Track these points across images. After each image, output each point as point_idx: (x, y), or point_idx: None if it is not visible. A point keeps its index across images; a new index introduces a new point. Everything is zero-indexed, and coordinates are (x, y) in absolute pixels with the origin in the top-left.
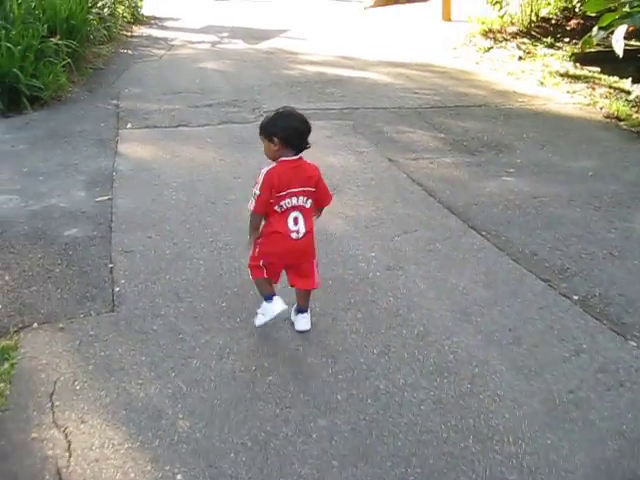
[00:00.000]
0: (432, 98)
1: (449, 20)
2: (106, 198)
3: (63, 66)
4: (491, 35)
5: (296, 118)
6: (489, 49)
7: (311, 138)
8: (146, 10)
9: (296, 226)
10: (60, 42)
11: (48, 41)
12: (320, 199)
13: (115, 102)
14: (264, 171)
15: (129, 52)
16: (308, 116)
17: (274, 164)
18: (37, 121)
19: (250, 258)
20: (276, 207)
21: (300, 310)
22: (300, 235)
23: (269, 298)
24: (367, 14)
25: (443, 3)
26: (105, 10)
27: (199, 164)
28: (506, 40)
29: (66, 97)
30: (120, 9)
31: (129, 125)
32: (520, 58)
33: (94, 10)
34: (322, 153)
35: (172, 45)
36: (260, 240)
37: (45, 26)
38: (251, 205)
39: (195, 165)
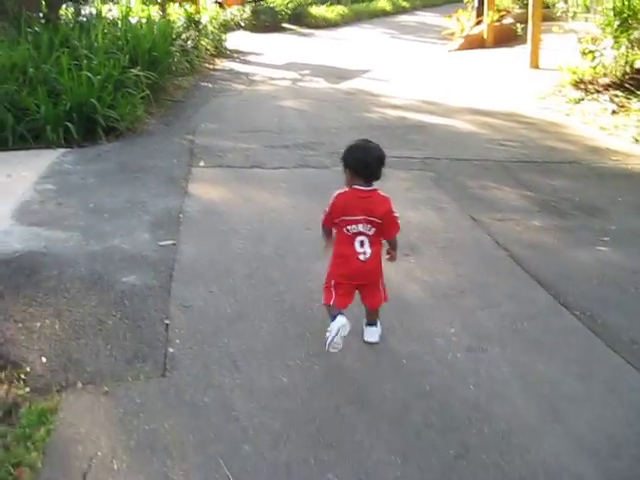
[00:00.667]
0: (519, 151)
1: (537, 67)
2: (170, 243)
3: (142, 97)
4: (582, 86)
5: (366, 151)
6: (580, 100)
7: (390, 189)
8: (230, 43)
9: (362, 248)
10: (140, 73)
11: (129, 72)
12: (385, 230)
13: (190, 137)
14: (336, 193)
15: (210, 85)
16: (389, 164)
17: (346, 189)
18: (110, 153)
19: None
20: (344, 229)
21: (369, 324)
22: (367, 257)
23: (333, 317)
24: (451, 57)
25: (531, 50)
26: (189, 42)
27: (270, 210)
28: (598, 92)
29: (142, 129)
30: (204, 42)
31: (202, 163)
32: (613, 112)
33: (177, 42)
34: (400, 206)
35: (253, 80)
36: (331, 261)
37: (127, 57)
38: (322, 218)
39: (266, 211)
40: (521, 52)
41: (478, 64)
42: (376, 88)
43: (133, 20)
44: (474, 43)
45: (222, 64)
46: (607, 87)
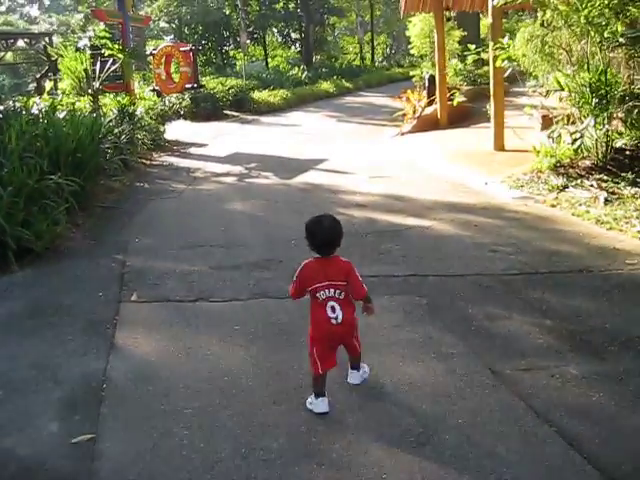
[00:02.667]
0: (516, 259)
1: (502, 149)
2: (87, 438)
3: (67, 208)
4: (562, 170)
5: (321, 228)
6: (563, 188)
7: (374, 325)
8: (170, 134)
9: (334, 313)
10: (61, 181)
11: (48, 179)
12: (353, 292)
13: (121, 257)
14: (303, 263)
15: (146, 186)
16: (367, 285)
17: (311, 258)
18: (20, 287)
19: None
20: (316, 296)
21: (353, 367)
22: (339, 321)
23: (318, 396)
24: (407, 141)
25: (495, 131)
26: (122, 137)
27: (223, 372)
28: (581, 176)
29: (65, 248)
30: (140, 135)
31: (134, 296)
32: (606, 201)
33: (110, 138)
34: (394, 357)
35: (194, 177)
36: (310, 326)
37: (47, 160)
38: (290, 290)
39: (217, 374)
40: (480, 132)
41: (438, 148)
42: (334, 182)
43: (62, 114)
44: (428, 124)
45: (161, 159)
46: (589, 170)
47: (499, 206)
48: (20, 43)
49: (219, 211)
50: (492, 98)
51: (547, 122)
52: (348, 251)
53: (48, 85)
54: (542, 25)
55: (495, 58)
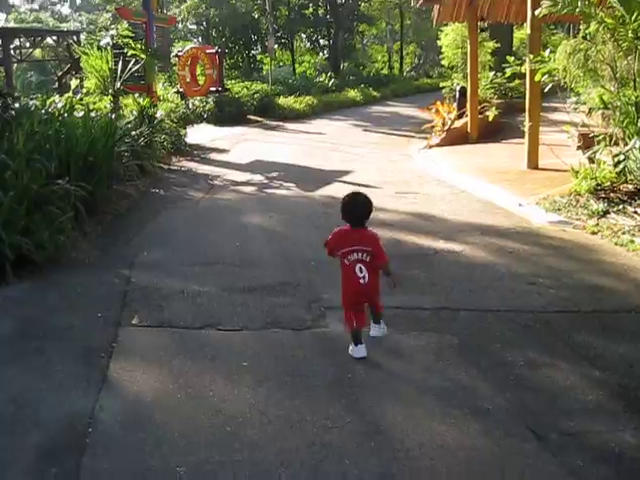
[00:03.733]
0: (557, 294)
1: (536, 168)
2: None
3: (75, 215)
4: (603, 194)
5: (354, 204)
6: (604, 213)
7: (400, 370)
8: (191, 138)
9: (362, 273)
10: (69, 186)
11: (55, 183)
12: (376, 258)
13: (127, 272)
14: (335, 230)
15: (162, 192)
16: (388, 319)
17: (343, 227)
18: (13, 303)
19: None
20: (345, 260)
21: (375, 322)
22: (366, 280)
23: (357, 344)
24: (436, 154)
25: (529, 148)
26: (140, 140)
27: (226, 420)
28: (623, 202)
29: (68, 258)
30: (159, 138)
31: (135, 319)
32: None
33: (127, 140)
34: (422, 412)
35: (213, 185)
36: (342, 288)
37: (56, 163)
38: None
39: (219, 422)
40: (512, 148)
41: (468, 164)
42: None
43: (80, 114)
44: (457, 138)
45: (180, 164)
46: (633, 195)
47: (535, 231)
48: (49, 41)
49: (235, 224)
50: (527, 113)
51: (586, 141)
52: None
53: (73, 83)
54: (585, 38)
55: (533, 72)
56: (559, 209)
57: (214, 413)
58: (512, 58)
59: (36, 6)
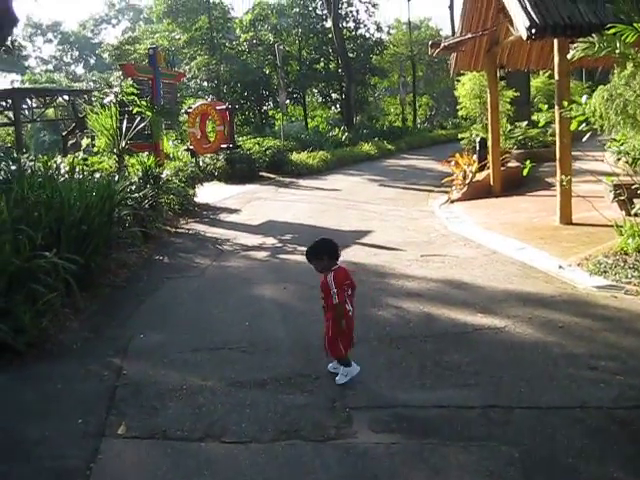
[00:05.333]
0: (625, 381)
1: (570, 223)
2: None
3: (66, 289)
4: None
5: (334, 244)
6: None
7: None
8: (201, 197)
9: (350, 307)
10: (56, 259)
11: (41, 256)
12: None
13: (118, 362)
14: (339, 268)
15: (165, 260)
16: (431, 421)
17: (336, 267)
18: None
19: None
20: (345, 294)
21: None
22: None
23: (348, 365)
24: (455, 210)
25: (562, 201)
26: (144, 203)
27: None
28: None
29: (54, 343)
30: (166, 199)
31: (122, 428)
32: None
33: (129, 203)
34: None
35: (222, 251)
36: (336, 326)
37: (43, 233)
38: (337, 299)
39: None
40: (539, 201)
41: (495, 220)
42: (380, 261)
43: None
44: (480, 191)
45: (187, 226)
46: None
47: (583, 299)
48: (61, 100)
49: (245, 298)
50: (558, 164)
51: (631, 193)
52: (402, 367)
53: (84, 142)
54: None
55: (563, 120)
56: (605, 271)
57: None
58: (545, 106)
59: (51, 67)
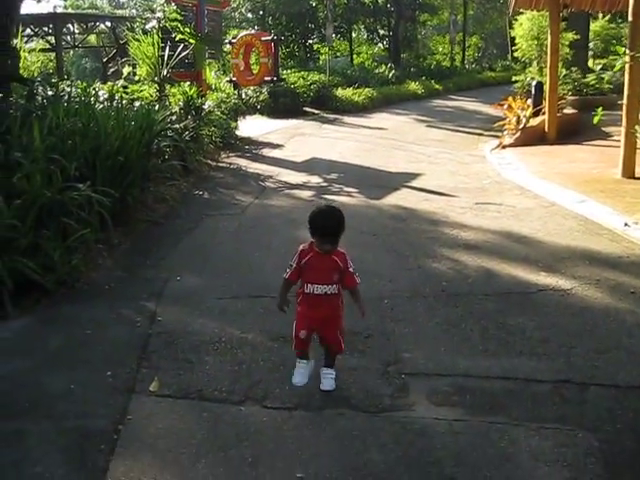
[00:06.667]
0: None
1: (633, 177)
2: None
3: (101, 223)
4: None
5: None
6: None
7: None
8: (243, 131)
9: None
10: (89, 192)
11: (74, 188)
12: None
13: (152, 307)
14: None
15: (205, 196)
16: (495, 394)
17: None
18: (3, 348)
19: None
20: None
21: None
22: None
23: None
24: (508, 156)
25: (625, 153)
26: (185, 134)
27: None
28: None
29: (86, 282)
30: (207, 131)
31: (153, 385)
32: None
33: (170, 134)
34: None
35: (264, 188)
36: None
37: (77, 163)
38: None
39: None
40: (597, 152)
41: (551, 169)
42: (432, 208)
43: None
44: (533, 137)
45: (228, 160)
46: None
47: None
48: (103, 27)
49: (289, 240)
50: (625, 113)
51: None
52: (463, 330)
53: (126, 70)
54: None
55: (634, 65)
56: None
57: None
58: (623, 49)
59: None
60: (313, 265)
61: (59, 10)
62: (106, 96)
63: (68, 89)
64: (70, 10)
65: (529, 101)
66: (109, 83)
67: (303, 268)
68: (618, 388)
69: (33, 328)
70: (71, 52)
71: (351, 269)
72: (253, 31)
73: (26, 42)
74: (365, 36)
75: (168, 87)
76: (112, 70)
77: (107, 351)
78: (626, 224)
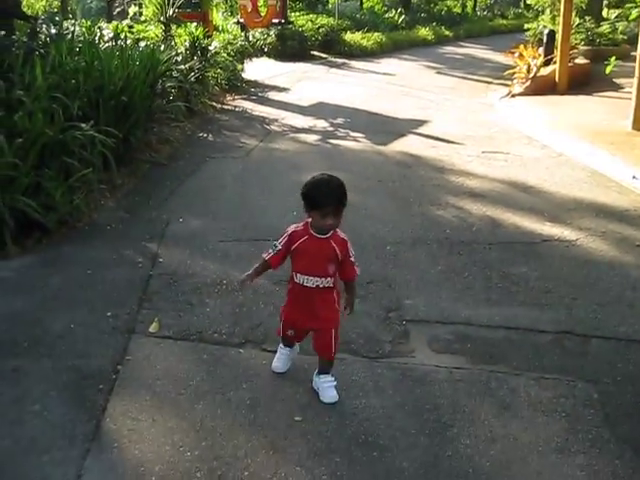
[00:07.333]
0: None
1: None
2: None
3: (104, 163)
4: None
5: None
6: None
7: (521, 446)
8: (249, 73)
9: None
10: (95, 134)
11: (77, 127)
12: None
13: (154, 248)
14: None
15: (209, 138)
16: (496, 343)
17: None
18: (4, 286)
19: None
20: None
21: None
22: None
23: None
24: (517, 105)
25: (636, 105)
26: (190, 76)
27: None
28: None
29: (88, 222)
30: (212, 73)
31: (153, 326)
32: None
33: (175, 75)
34: None
35: (269, 131)
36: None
37: (80, 102)
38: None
39: None
40: (608, 103)
41: (561, 120)
42: (438, 155)
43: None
44: (544, 87)
45: (234, 102)
46: None
47: None
48: None
49: (293, 184)
50: (638, 64)
51: None
52: (465, 279)
53: (131, 10)
54: None
55: None
56: None
57: None
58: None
59: None
60: (306, 251)
61: None
62: (111, 35)
63: (72, 28)
64: None
65: (540, 50)
66: (114, 22)
67: (293, 254)
68: (619, 341)
69: (34, 268)
70: None
71: (352, 258)
72: None
73: None
74: None
75: (174, 27)
76: (118, 10)
77: (108, 291)
78: (634, 177)
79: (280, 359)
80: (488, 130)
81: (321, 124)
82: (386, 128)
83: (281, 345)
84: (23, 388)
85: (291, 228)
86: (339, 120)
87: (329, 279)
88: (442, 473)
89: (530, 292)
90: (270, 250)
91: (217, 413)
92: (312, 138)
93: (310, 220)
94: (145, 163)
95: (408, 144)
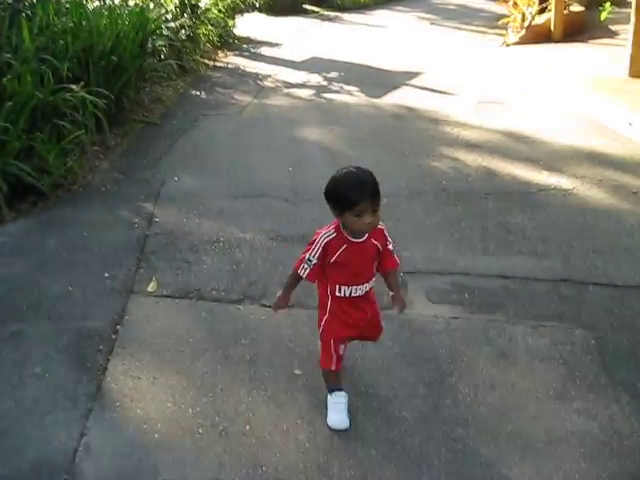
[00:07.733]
0: None
1: (639, 76)
2: None
3: (96, 125)
4: None
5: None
6: None
7: (521, 392)
8: (241, 29)
9: None
10: (86, 95)
11: (67, 89)
12: None
13: (150, 208)
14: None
15: (202, 95)
16: (494, 292)
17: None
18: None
19: None
20: None
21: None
22: None
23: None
24: (512, 55)
25: (633, 52)
26: (181, 33)
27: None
28: None
29: (82, 184)
30: (203, 30)
31: (152, 285)
32: None
33: (165, 34)
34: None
35: (263, 87)
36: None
37: (70, 63)
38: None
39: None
40: (604, 51)
41: (556, 68)
42: (433, 106)
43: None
44: (538, 36)
45: (226, 59)
46: None
47: None
48: None
49: (288, 140)
50: (634, 10)
51: None
52: (463, 229)
53: None
54: None
55: None
56: None
57: (251, 457)
58: None
59: None
60: (349, 263)
61: None
62: None
63: None
64: None
65: None
66: None
67: (331, 266)
68: (616, 287)
69: (30, 231)
70: None
71: (390, 246)
72: None
73: None
74: None
75: None
76: None
77: (105, 253)
78: (630, 123)
79: (340, 409)
80: (482, 80)
81: (315, 79)
82: (380, 81)
83: (334, 393)
84: (23, 351)
85: (322, 237)
86: (333, 74)
87: (374, 278)
88: (442, 421)
89: (527, 241)
90: (305, 265)
91: (217, 369)
92: (306, 93)
93: (342, 221)
94: (138, 123)
95: (403, 96)
